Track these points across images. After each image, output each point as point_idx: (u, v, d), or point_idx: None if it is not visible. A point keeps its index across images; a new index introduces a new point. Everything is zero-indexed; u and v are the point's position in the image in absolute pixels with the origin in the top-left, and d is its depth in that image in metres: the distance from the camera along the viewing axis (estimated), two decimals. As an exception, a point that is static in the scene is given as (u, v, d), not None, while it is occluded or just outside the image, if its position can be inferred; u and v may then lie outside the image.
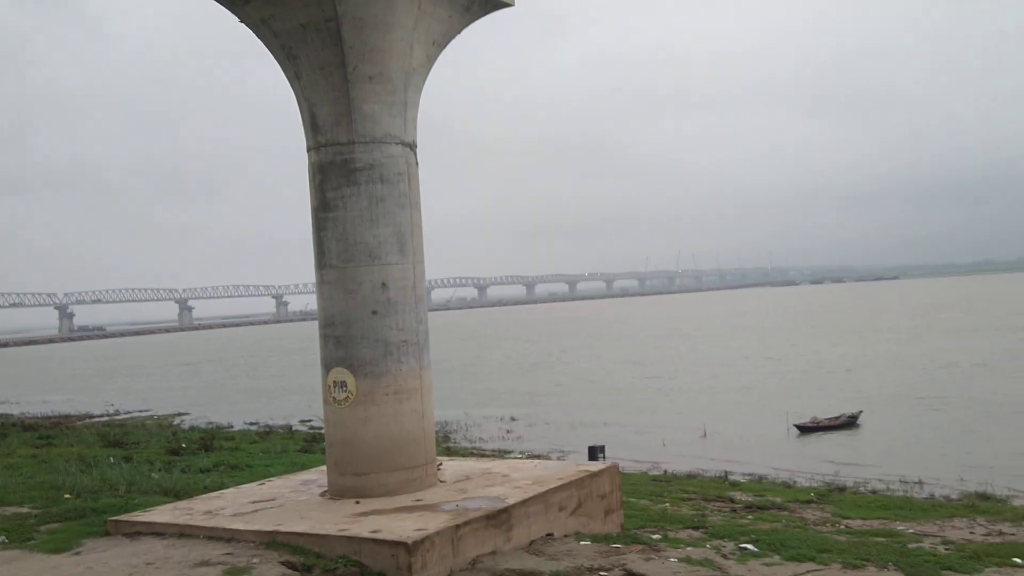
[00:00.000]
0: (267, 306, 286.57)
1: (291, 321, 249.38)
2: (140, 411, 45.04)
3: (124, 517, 8.73)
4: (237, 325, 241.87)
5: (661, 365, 54.35)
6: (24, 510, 9.81)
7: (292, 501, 9.22)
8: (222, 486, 11.43)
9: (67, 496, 10.74)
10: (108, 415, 42.80)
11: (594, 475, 9.92)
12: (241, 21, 10.38)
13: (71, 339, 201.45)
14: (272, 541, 7.48)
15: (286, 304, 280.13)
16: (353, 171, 10.06)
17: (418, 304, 10.37)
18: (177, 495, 10.87)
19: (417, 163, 10.86)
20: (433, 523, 7.63)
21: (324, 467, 10.77)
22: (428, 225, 10.85)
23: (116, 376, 75.16)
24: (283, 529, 7.70)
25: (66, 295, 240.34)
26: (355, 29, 9.88)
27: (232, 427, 34.19)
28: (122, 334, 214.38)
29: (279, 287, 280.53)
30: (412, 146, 10.76)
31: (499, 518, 8.10)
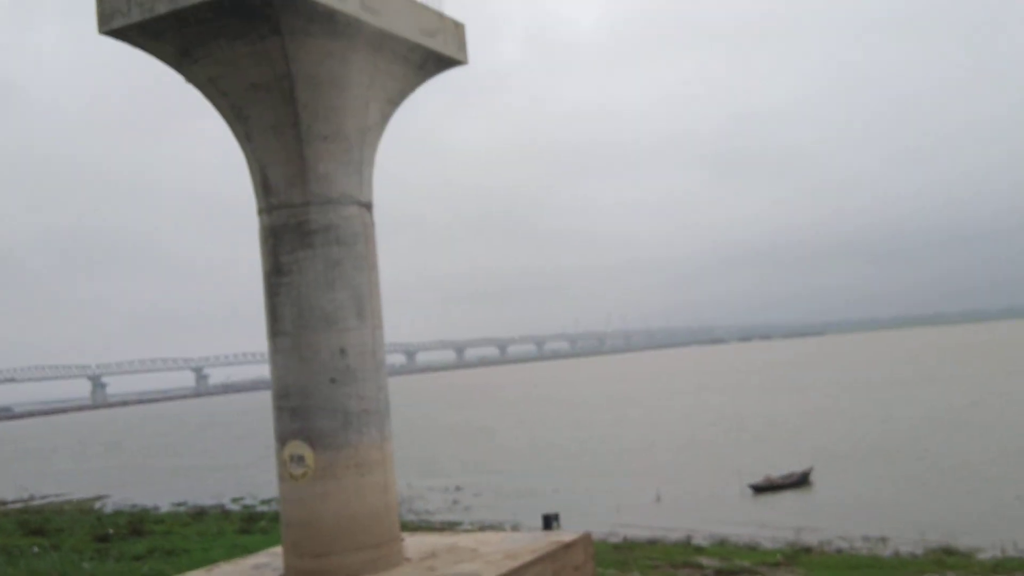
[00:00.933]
0: (187, 380, 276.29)
1: (212, 395, 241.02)
2: (56, 495, 42.54)
3: (61, 617, 7.93)
4: (155, 401, 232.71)
5: (603, 427, 53.98)
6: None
7: (247, 589, 8.55)
8: (163, 574, 10.59)
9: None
10: (23, 500, 40.34)
11: (567, 546, 9.53)
12: (188, 81, 9.96)
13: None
14: (233, 636, 6.83)
15: (206, 377, 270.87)
16: (308, 233, 9.68)
17: (378, 370, 9.91)
18: (115, 587, 9.99)
19: (374, 223, 10.50)
20: (408, 607, 7.11)
21: (274, 549, 10.08)
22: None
23: (27, 459, 71.15)
24: (244, 622, 7.06)
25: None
26: (309, 88, 9.57)
27: (159, 509, 32.46)
28: (31, 414, 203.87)
29: (199, 359, 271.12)
30: (368, 206, 10.42)
31: (476, 597, 7.63)
